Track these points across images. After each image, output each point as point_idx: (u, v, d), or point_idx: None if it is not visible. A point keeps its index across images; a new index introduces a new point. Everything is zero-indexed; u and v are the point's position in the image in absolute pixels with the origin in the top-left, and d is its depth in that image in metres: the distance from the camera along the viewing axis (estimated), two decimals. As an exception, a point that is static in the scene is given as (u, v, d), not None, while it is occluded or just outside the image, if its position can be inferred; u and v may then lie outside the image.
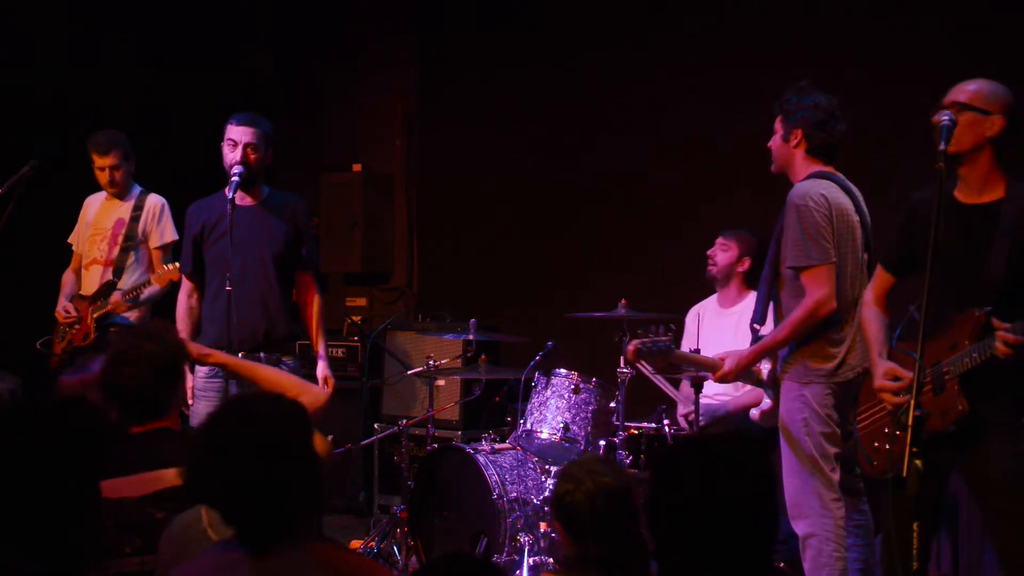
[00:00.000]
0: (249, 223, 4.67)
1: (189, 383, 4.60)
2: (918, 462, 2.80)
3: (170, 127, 6.71)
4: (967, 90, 3.40)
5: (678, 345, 5.31)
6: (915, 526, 2.86)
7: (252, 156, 4.65)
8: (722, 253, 5.39)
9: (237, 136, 4.65)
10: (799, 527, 3.94)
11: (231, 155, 4.64)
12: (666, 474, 2.21)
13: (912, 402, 2.89)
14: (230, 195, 4.53)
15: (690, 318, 5.51)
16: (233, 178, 4.57)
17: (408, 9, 7.62)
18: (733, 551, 2.07)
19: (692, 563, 2.10)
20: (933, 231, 3.08)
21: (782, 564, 4.78)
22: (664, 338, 4.20)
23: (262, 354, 4.62)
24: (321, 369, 4.80)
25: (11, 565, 2.24)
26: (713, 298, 5.52)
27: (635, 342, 4.24)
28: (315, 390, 3.50)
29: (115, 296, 5.18)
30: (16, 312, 5.90)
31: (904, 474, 2.80)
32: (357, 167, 7.43)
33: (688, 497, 2.10)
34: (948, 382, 3.32)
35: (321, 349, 4.85)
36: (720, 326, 5.33)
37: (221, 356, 3.63)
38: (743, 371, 4.07)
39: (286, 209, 4.81)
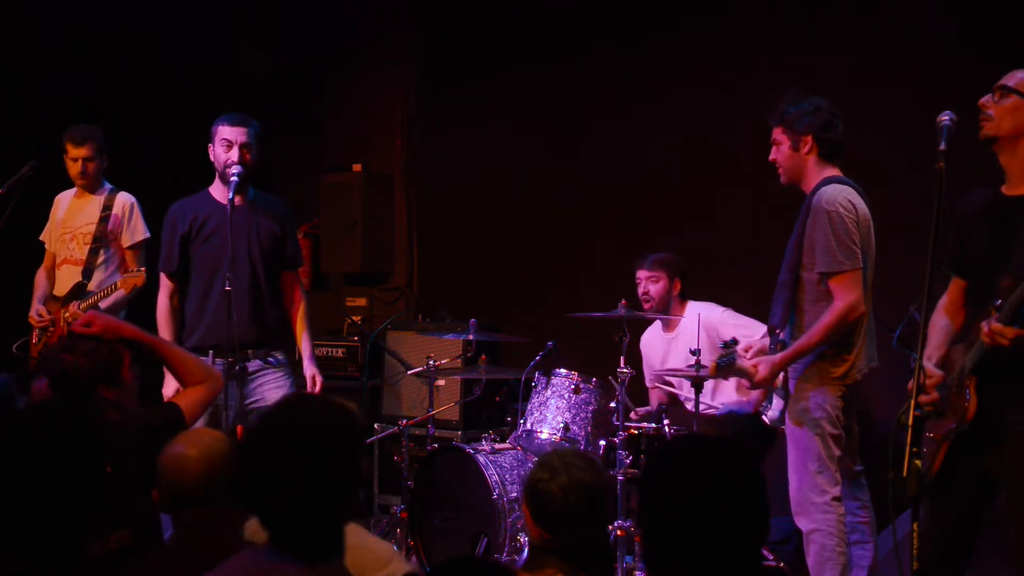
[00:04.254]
0: (238, 223, 4.66)
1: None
2: (918, 462, 2.80)
3: (170, 127, 6.71)
4: (1017, 77, 3.37)
5: (641, 374, 5.47)
6: (915, 526, 2.86)
7: (248, 156, 4.67)
8: (653, 286, 5.38)
9: (232, 136, 4.66)
10: (803, 523, 3.98)
11: (226, 155, 4.65)
12: (655, 475, 2.22)
13: (912, 402, 2.89)
14: (230, 195, 4.53)
15: (646, 344, 5.61)
16: (232, 179, 4.58)
17: (408, 9, 7.62)
18: (721, 552, 2.08)
19: (681, 563, 2.11)
20: (933, 230, 3.06)
21: (782, 564, 4.79)
22: (732, 350, 4.16)
23: (250, 351, 4.62)
24: (307, 368, 4.81)
25: (11, 564, 2.25)
26: (655, 326, 5.57)
27: (715, 359, 4.17)
28: (218, 376, 3.54)
29: (72, 306, 5.20)
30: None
31: (904, 474, 2.80)
32: (357, 167, 7.43)
33: (676, 498, 2.11)
34: (966, 381, 3.33)
35: (307, 348, 4.86)
36: (672, 351, 5.39)
37: (132, 330, 3.40)
38: (776, 375, 4.07)
39: (271, 209, 4.84)
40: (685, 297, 5.45)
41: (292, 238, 4.90)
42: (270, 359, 4.69)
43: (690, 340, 5.02)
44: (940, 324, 3.58)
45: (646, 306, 5.38)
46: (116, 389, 3.19)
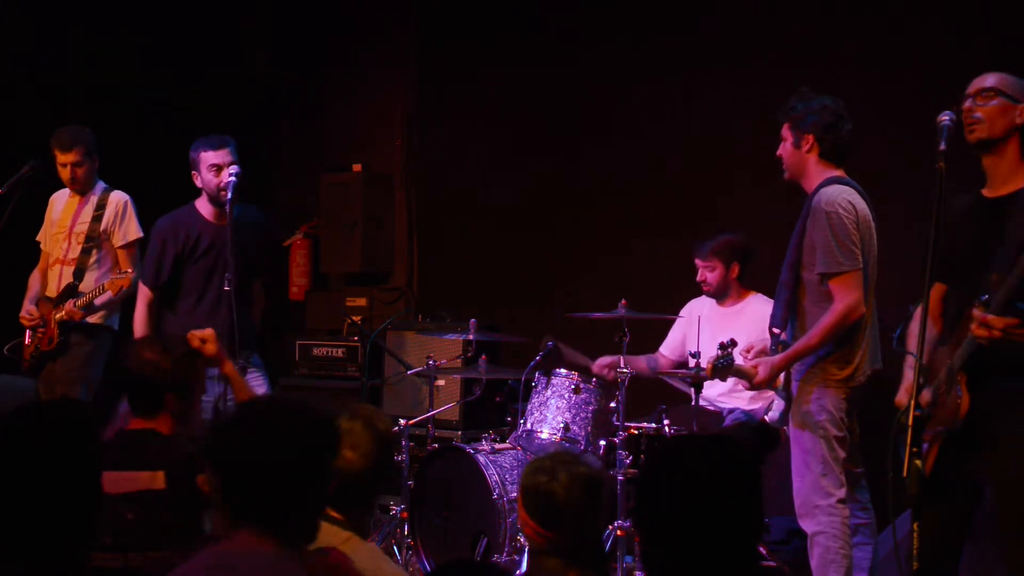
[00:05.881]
0: (228, 241, 4.74)
1: None
2: (918, 462, 2.80)
3: (170, 127, 6.71)
4: (994, 77, 3.37)
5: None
6: (915, 526, 2.86)
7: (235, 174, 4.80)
8: (709, 274, 5.35)
9: (220, 159, 4.81)
10: (807, 525, 3.98)
11: (216, 179, 4.80)
12: (653, 474, 2.23)
13: (912, 402, 2.88)
14: (230, 219, 4.62)
15: (689, 315, 5.48)
16: (230, 195, 4.69)
17: (408, 9, 7.62)
18: (719, 550, 2.09)
19: (679, 562, 2.12)
20: (933, 232, 3.07)
21: (782, 564, 4.79)
22: (729, 351, 4.14)
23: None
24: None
25: (11, 568, 2.24)
26: (705, 298, 5.52)
27: (711, 358, 4.14)
28: None
29: (68, 304, 5.21)
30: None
31: (904, 474, 2.79)
32: (357, 167, 7.43)
33: (675, 497, 2.12)
34: (958, 379, 3.31)
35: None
36: (726, 326, 5.31)
37: (230, 367, 3.65)
38: (775, 377, 4.05)
39: (255, 221, 5.02)
40: (744, 281, 5.36)
41: (272, 246, 5.07)
42: (252, 360, 4.91)
43: (749, 320, 5.09)
44: (929, 332, 3.57)
45: (706, 291, 5.40)
46: (183, 402, 3.23)
